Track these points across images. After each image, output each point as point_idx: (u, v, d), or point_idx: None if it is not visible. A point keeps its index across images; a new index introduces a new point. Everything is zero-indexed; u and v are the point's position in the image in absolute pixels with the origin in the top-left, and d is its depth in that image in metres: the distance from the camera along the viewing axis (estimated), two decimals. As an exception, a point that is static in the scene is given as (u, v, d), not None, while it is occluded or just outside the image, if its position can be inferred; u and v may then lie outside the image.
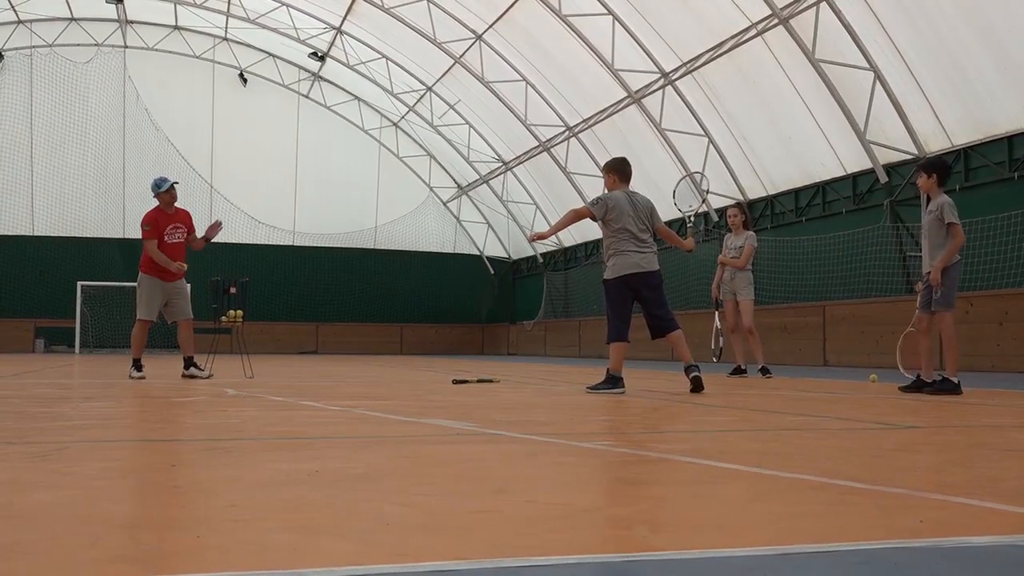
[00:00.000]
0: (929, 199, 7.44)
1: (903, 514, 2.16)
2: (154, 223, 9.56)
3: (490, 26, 22.89)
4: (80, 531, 1.90)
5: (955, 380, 7.01)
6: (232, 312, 10.68)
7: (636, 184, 7.90)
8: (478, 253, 33.34)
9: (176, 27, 29.53)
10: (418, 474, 2.77)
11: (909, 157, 15.44)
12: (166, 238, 9.57)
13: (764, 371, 10.74)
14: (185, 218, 9.84)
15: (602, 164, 24.47)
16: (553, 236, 8.62)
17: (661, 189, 20.32)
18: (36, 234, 28.31)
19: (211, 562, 1.66)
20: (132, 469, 2.99)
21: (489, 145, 28.45)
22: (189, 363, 9.66)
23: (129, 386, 8.10)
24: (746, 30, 17.04)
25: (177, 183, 9.89)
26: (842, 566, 1.65)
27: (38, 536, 1.85)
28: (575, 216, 7.62)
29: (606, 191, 7.71)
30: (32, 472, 2.80)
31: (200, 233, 10.11)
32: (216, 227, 9.98)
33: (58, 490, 2.44)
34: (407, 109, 30.09)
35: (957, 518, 2.14)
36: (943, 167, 7.41)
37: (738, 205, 11.73)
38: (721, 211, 20.54)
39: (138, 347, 9.62)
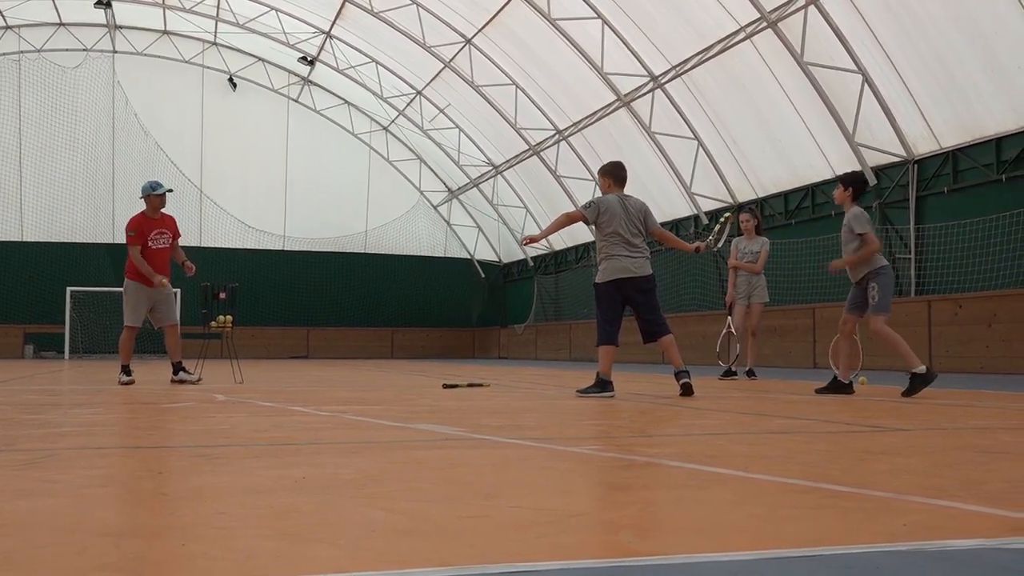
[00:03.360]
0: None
1: (887, 517, 2.17)
2: (139, 228, 9.47)
3: (479, 30, 22.92)
4: (66, 539, 1.89)
5: (922, 368, 7.02)
6: (221, 317, 10.63)
7: (626, 188, 7.90)
8: (468, 257, 33.35)
9: (165, 32, 29.49)
10: (406, 479, 2.78)
11: (898, 159, 15.52)
12: (150, 243, 9.48)
13: (750, 373, 10.95)
14: (170, 223, 9.73)
15: (592, 168, 24.57)
16: (544, 240, 8.61)
17: (650, 192, 20.41)
18: (25, 240, 28.21)
19: (197, 570, 1.66)
20: (119, 476, 2.98)
21: (479, 149, 28.47)
22: (178, 368, 9.62)
23: (118, 392, 8.08)
24: (735, 33, 17.10)
25: (171, 191, 9.82)
26: (825, 570, 1.65)
27: (24, 545, 1.85)
28: (567, 219, 7.63)
29: (599, 194, 7.73)
30: (19, 480, 2.79)
31: (185, 237, 10.02)
32: (190, 269, 9.72)
33: (45, 498, 2.43)
34: (397, 113, 30.10)
35: (942, 521, 2.15)
36: (859, 182, 7.75)
37: (751, 210, 11.89)
38: (711, 215, 20.61)
39: (126, 353, 9.56)
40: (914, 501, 2.39)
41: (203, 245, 28.45)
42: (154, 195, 9.54)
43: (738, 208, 17.67)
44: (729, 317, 11.19)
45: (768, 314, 17.26)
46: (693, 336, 18.61)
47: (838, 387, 7.48)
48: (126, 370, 9.42)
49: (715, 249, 8.71)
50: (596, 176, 7.91)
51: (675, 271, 20.86)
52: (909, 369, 7.09)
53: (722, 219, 8.78)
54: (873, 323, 7.28)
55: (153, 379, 10.92)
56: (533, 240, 7.64)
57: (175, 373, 9.60)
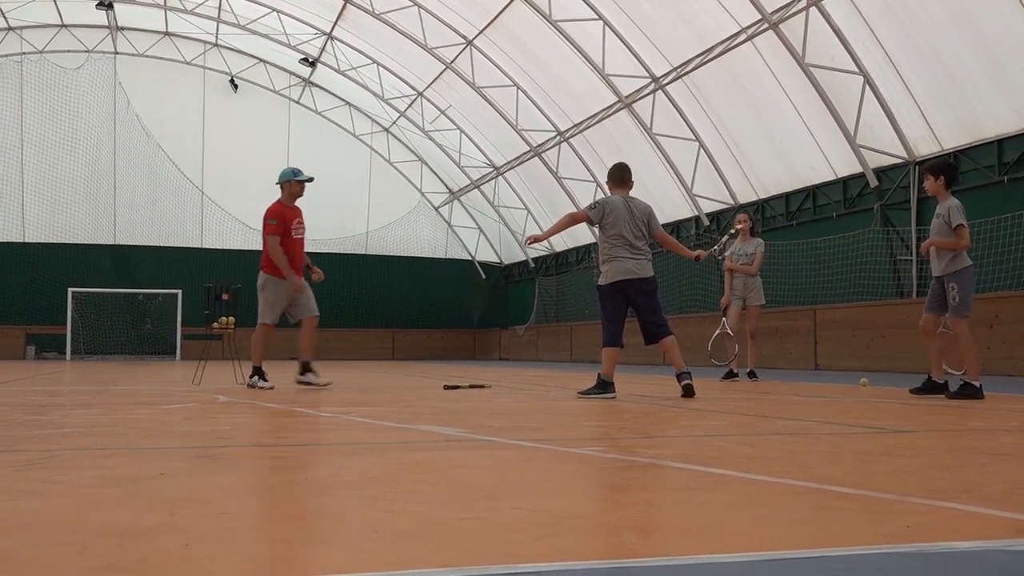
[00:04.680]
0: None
1: (890, 519, 2.17)
2: (280, 217, 8.69)
3: (481, 31, 22.92)
4: (67, 540, 1.89)
5: (977, 384, 7.00)
6: (224, 318, 10.64)
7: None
8: (470, 258, 33.35)
9: (166, 33, 29.50)
10: (407, 481, 2.78)
11: (899, 161, 15.51)
12: (293, 232, 8.75)
13: (751, 375, 10.93)
14: (301, 215, 8.97)
15: (593, 169, 24.54)
16: (545, 240, 8.58)
17: (651, 193, 20.39)
18: (27, 240, 28.22)
19: (199, 571, 1.66)
20: (121, 477, 2.98)
21: (480, 150, 28.48)
22: (305, 368, 8.77)
23: (119, 393, 8.07)
24: (736, 35, 17.09)
25: (311, 180, 9.04)
26: (827, 572, 1.65)
27: (25, 545, 1.85)
28: (571, 220, 7.64)
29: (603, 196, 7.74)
30: (20, 481, 2.79)
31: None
32: (318, 274, 9.14)
33: (46, 499, 2.43)
34: (398, 114, 30.10)
35: (943, 523, 2.15)
36: (950, 169, 7.37)
37: (746, 212, 11.85)
38: (712, 216, 20.61)
39: (259, 354, 8.83)
40: (916, 503, 2.39)
41: (205, 246, 28.45)
42: (294, 181, 8.89)
43: (739, 210, 17.67)
44: (724, 318, 11.19)
45: (769, 315, 17.32)
46: (694, 338, 18.57)
47: (932, 387, 7.28)
48: (261, 374, 8.72)
49: (718, 258, 8.69)
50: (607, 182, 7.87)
51: (676, 273, 20.86)
52: (969, 379, 7.05)
53: (732, 231, 8.79)
54: (956, 326, 7.12)
55: (154, 380, 10.92)
56: (536, 240, 7.64)
57: (302, 373, 8.75)
